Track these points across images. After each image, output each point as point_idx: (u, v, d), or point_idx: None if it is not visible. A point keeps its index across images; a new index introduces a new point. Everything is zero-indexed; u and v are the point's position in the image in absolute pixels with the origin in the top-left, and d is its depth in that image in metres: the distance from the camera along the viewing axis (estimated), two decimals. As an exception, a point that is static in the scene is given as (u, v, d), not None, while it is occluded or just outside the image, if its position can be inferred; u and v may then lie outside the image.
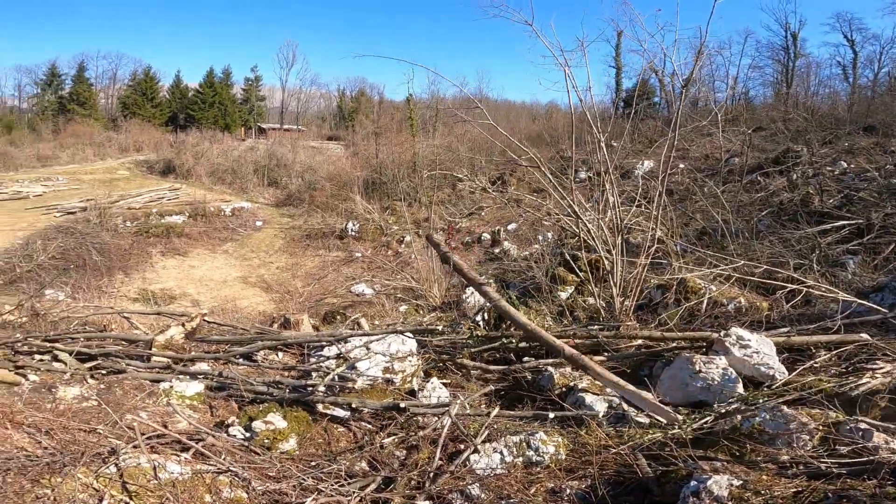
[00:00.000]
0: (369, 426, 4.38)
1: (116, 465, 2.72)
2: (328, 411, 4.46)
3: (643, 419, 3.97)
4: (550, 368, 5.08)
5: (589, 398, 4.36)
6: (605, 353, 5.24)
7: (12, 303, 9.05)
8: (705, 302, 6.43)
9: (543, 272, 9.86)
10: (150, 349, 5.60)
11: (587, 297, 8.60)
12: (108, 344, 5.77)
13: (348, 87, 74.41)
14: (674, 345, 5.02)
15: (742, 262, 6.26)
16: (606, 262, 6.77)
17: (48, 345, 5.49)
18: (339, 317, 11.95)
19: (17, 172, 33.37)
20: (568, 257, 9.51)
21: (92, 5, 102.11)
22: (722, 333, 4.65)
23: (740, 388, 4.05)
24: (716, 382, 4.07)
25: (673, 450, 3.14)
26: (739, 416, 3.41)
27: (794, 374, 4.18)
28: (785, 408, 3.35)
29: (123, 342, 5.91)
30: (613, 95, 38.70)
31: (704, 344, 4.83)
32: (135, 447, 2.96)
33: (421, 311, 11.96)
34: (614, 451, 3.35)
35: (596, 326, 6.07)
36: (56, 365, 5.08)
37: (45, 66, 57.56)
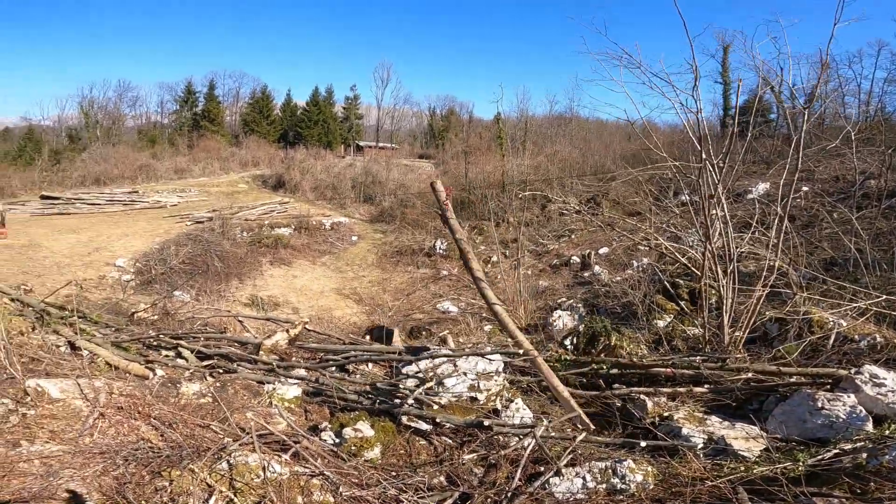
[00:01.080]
0: (450, 441, 4.41)
1: (228, 462, 2.93)
2: (412, 424, 4.55)
3: (747, 453, 3.74)
4: (644, 397, 4.92)
5: (686, 429, 4.23)
6: (707, 385, 5.02)
7: (147, 301, 10.41)
8: (832, 337, 5.83)
9: (640, 298, 9.31)
10: (258, 352, 6.10)
11: (688, 327, 8.03)
12: (224, 345, 6.38)
13: (438, 106, 77.34)
14: (792, 380, 4.78)
15: (882, 297, 5.45)
16: (715, 291, 6.27)
17: (174, 342, 6.20)
18: (424, 332, 12.21)
19: (157, 183, 38.46)
20: (667, 284, 8.91)
21: (219, 25, 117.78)
22: (853, 371, 4.46)
23: (870, 427, 3.85)
24: (840, 420, 3.92)
25: (784, 485, 2.96)
26: (865, 454, 3.23)
27: (935, 414, 3.84)
28: (922, 447, 3.11)
29: (236, 344, 6.51)
30: (721, 113, 36.04)
31: (829, 381, 4.58)
32: (241, 445, 3.20)
33: (505, 332, 11.85)
34: (711, 483, 3.13)
35: (698, 357, 5.75)
36: (180, 361, 5.71)
37: (182, 83, 63.89)
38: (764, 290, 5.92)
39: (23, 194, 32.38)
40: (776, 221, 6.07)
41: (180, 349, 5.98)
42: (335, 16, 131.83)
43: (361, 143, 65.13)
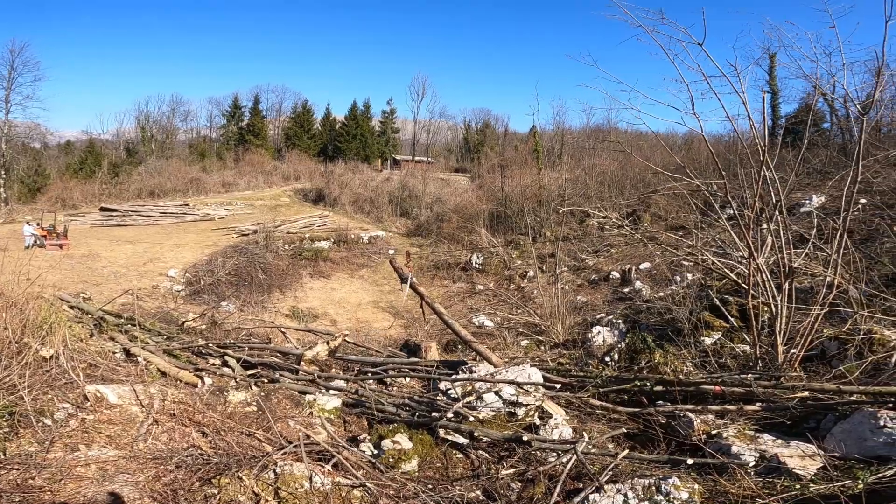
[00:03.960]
0: (487, 456, 4.37)
1: (275, 471, 2.99)
2: (449, 437, 4.53)
3: (802, 472, 3.62)
4: (691, 415, 4.82)
5: (736, 447, 4.14)
6: (759, 403, 4.95)
7: (196, 311, 10.85)
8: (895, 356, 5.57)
9: (685, 315, 8.99)
10: (300, 363, 6.24)
11: (737, 345, 7.71)
12: (267, 355, 6.57)
13: (474, 119, 77.38)
14: (852, 399, 4.68)
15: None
16: (768, 309, 6.01)
17: (221, 351, 6.42)
18: (460, 347, 12.15)
19: (206, 196, 40.23)
20: (717, 301, 8.58)
21: (264, 40, 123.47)
22: None
23: (934, 445, 3.68)
24: None
25: (842, 502, 2.93)
26: (930, 472, 3.13)
27: None
28: None
29: (278, 354, 6.68)
30: (769, 122, 34.62)
31: (892, 399, 4.47)
32: (287, 454, 3.26)
33: (542, 347, 11.66)
34: (762, 501, 3.09)
35: (750, 375, 5.58)
36: (226, 370, 5.90)
37: (229, 97, 65.85)
38: (823, 309, 5.63)
39: (83, 206, 34.55)
40: (836, 236, 5.77)
41: (227, 358, 6.18)
42: (372, 30, 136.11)
43: (398, 157, 65.98)
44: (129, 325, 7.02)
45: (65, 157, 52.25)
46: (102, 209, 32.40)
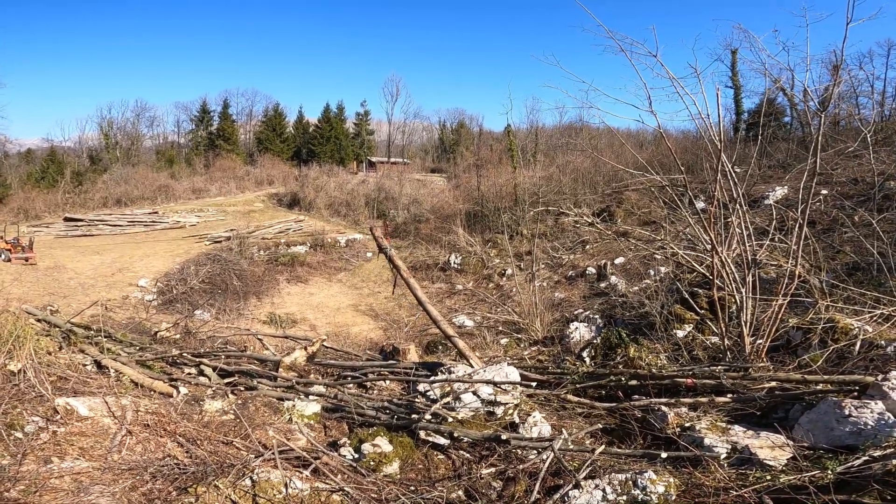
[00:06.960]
0: (468, 455, 4.40)
1: (252, 478, 2.98)
2: (430, 438, 4.56)
3: (773, 462, 3.67)
4: (664, 408, 4.87)
5: (708, 439, 4.19)
6: (729, 395, 5.00)
7: (169, 320, 10.62)
8: (858, 344, 5.73)
9: (657, 309, 9.21)
10: (277, 369, 6.18)
11: (708, 337, 7.91)
12: (244, 363, 6.48)
13: (448, 119, 77.52)
14: (817, 388, 4.73)
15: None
16: (735, 300, 6.19)
17: (196, 360, 6.31)
18: (440, 347, 12.21)
19: (176, 203, 39.29)
20: (686, 294, 8.82)
21: (231, 43, 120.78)
22: (880, 377, 4.39)
23: (900, 433, 3.76)
24: (869, 427, 3.84)
25: (812, 493, 2.94)
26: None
27: (966, 419, 3.71)
28: (953, 452, 3.02)
29: (256, 361, 6.60)
30: (732, 117, 35.55)
31: (856, 388, 4.54)
32: (264, 461, 3.24)
33: (522, 345, 11.79)
34: (735, 493, 3.11)
35: (720, 367, 5.69)
36: (202, 379, 5.81)
37: (197, 102, 64.57)
38: (784, 299, 5.82)
39: (46, 216, 33.36)
40: (795, 227, 5.99)
41: (202, 367, 6.08)
42: (344, 31, 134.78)
43: (373, 159, 65.49)
44: (100, 337, 6.84)
45: (25, 166, 50.25)
46: (67, 219, 31.34)
